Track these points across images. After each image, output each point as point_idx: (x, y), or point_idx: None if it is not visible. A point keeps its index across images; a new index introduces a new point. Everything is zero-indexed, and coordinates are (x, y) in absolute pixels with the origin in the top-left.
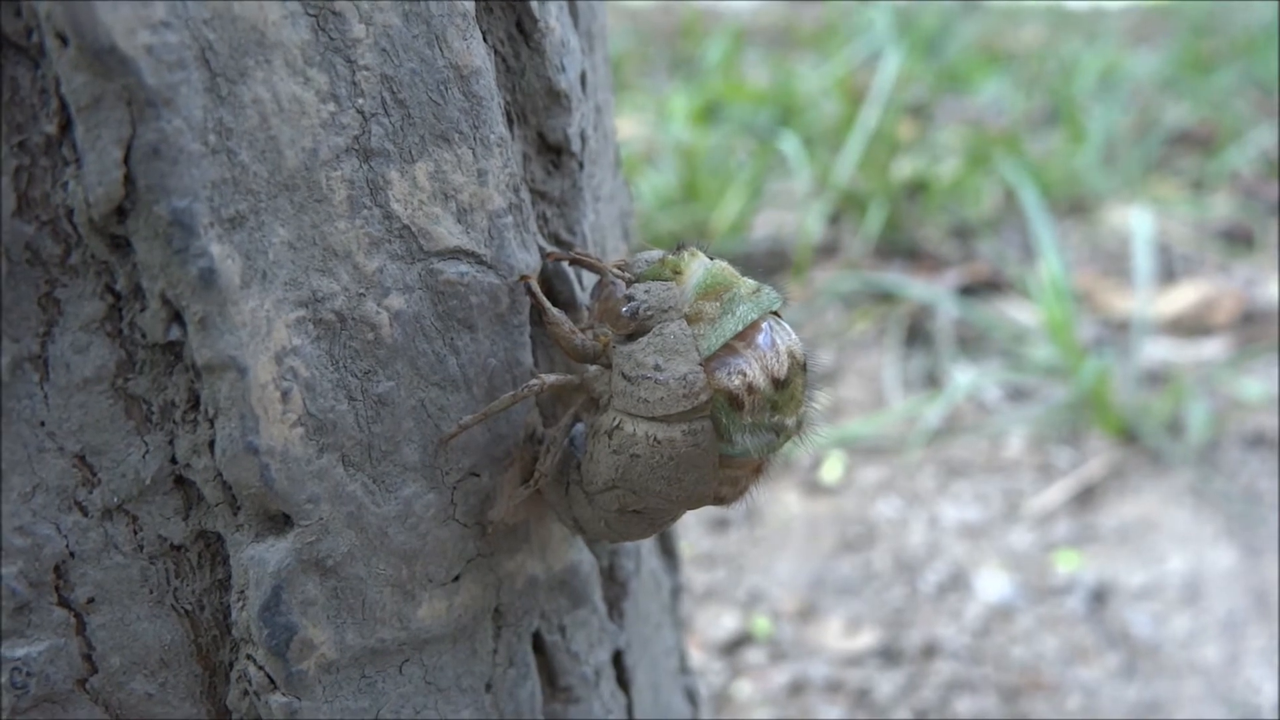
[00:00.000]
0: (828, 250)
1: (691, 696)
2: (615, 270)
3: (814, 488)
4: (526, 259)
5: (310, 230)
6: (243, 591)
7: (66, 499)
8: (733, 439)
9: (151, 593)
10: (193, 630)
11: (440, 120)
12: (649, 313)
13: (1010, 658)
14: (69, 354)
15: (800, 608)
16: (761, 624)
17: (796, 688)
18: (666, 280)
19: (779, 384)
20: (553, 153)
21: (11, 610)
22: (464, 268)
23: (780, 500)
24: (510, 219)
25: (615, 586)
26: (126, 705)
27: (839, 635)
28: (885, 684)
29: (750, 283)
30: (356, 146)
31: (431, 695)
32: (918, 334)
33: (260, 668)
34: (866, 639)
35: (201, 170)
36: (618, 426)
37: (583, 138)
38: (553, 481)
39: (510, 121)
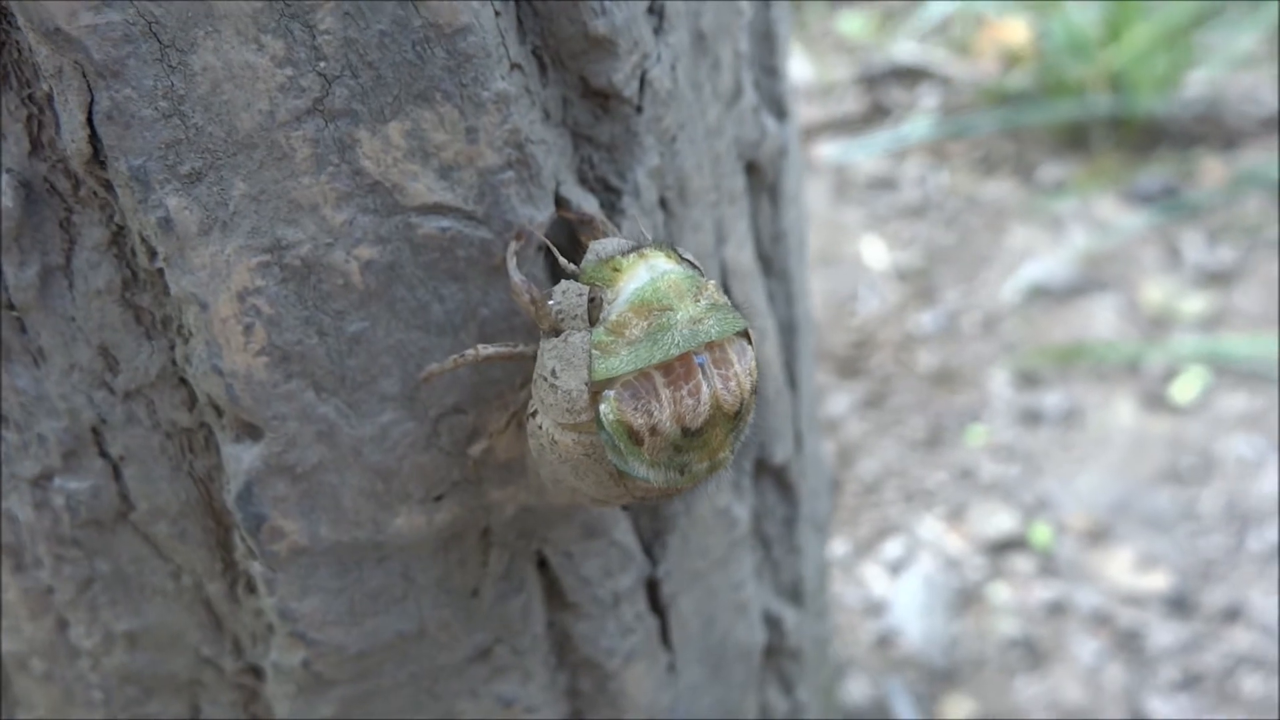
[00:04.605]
0: (1277, 123)
1: (777, 624)
2: (565, 262)
3: (1157, 402)
4: (532, 214)
5: (273, 185)
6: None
7: (97, 378)
8: (629, 465)
9: (170, 460)
10: (206, 494)
11: (418, 80)
12: (560, 317)
13: None
14: (85, 269)
15: (1091, 528)
16: (1041, 533)
17: (1057, 609)
18: (607, 279)
19: (689, 432)
20: (600, 97)
21: (62, 454)
22: (446, 223)
23: (1111, 406)
24: (510, 174)
25: (658, 521)
26: (160, 540)
27: (1127, 569)
28: (1163, 635)
29: (696, 308)
30: (319, 108)
31: (412, 588)
32: None
33: (243, 540)
34: (1158, 581)
35: (154, 133)
36: (531, 414)
37: (644, 81)
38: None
39: (543, 67)
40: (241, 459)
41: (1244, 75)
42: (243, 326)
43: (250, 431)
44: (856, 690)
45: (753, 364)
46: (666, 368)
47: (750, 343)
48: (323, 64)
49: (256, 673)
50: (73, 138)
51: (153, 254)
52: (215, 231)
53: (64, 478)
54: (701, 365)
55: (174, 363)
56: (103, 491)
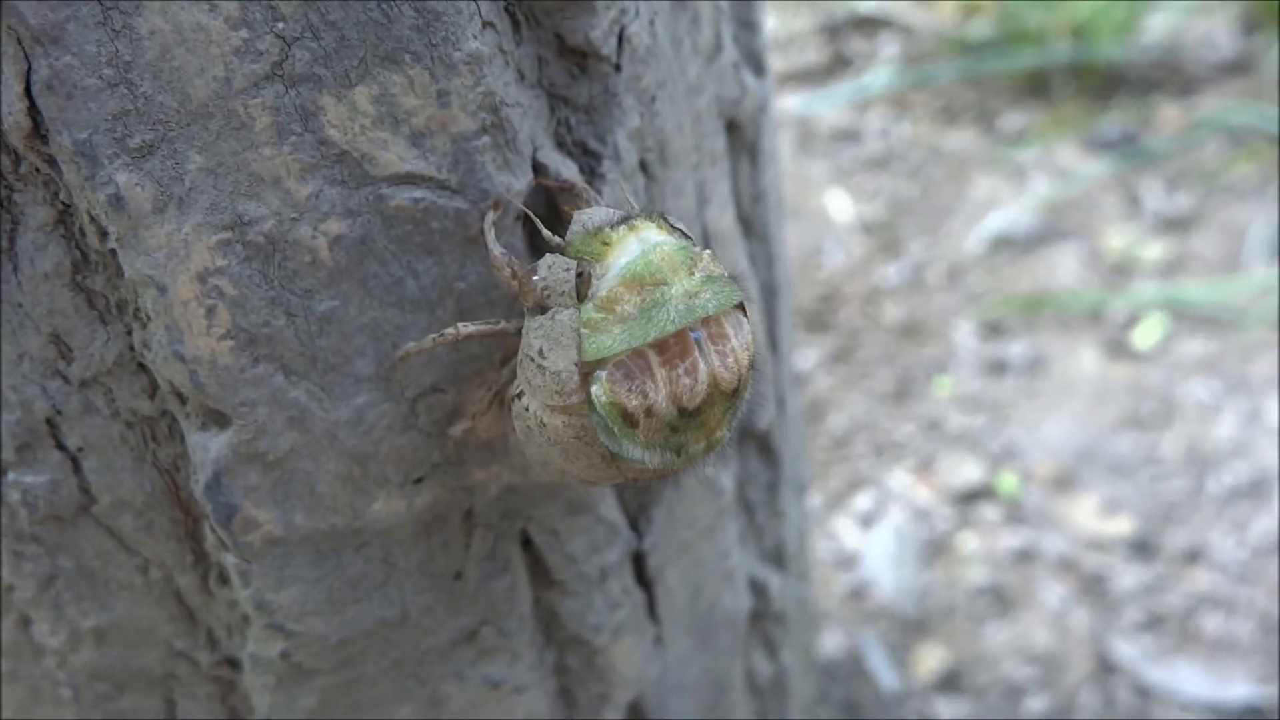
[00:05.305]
0: (1234, 68)
1: (762, 590)
2: (549, 234)
3: (1119, 349)
4: (509, 181)
5: (231, 157)
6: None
7: (49, 368)
8: (623, 448)
9: (132, 450)
10: (172, 484)
11: (385, 40)
12: (546, 293)
13: None
14: (31, 251)
15: (1057, 475)
16: (1008, 481)
17: (1025, 556)
18: (595, 253)
19: (686, 413)
20: (577, 55)
21: (15, 447)
22: (420, 193)
23: (1074, 354)
24: (486, 140)
25: (643, 494)
26: (125, 533)
27: (1092, 514)
28: (1127, 577)
29: (691, 282)
30: (279, 73)
31: (393, 573)
32: None
33: (214, 531)
34: (1123, 526)
35: (100, 103)
36: (518, 395)
37: (622, 37)
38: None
39: (516, 24)
40: (209, 448)
41: (1200, 20)
42: (205, 309)
43: (217, 419)
44: (830, 643)
45: (750, 338)
46: (661, 346)
47: (746, 315)
48: (281, 25)
49: (233, 664)
50: (10, 110)
51: (103, 234)
52: (171, 209)
53: (19, 472)
54: (698, 341)
55: (132, 348)
56: (61, 485)
